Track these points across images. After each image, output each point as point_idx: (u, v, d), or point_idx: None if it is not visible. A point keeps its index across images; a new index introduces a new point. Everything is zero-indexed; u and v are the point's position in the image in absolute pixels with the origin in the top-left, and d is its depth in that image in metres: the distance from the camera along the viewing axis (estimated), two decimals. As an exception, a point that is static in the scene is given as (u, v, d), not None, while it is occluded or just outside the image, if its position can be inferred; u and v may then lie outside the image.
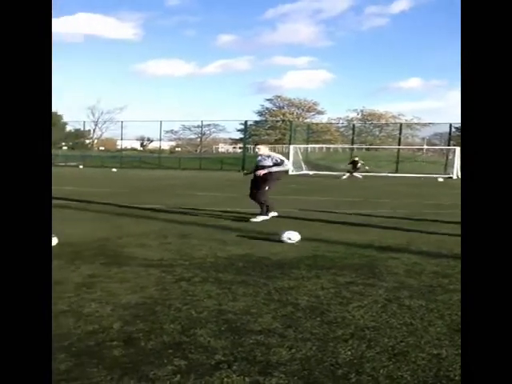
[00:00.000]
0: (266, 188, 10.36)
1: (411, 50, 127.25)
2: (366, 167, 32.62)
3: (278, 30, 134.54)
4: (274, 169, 10.23)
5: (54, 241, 7.09)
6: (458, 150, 34.49)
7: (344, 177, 31.15)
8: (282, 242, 7.56)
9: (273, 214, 10.54)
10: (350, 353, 3.61)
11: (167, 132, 70.23)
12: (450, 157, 35.90)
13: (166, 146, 69.16)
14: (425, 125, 63.38)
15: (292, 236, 7.61)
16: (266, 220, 10.28)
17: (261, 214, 10.32)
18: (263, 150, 10.61)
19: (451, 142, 41.92)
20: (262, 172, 10.17)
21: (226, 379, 3.17)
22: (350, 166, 32.49)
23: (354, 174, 31.27)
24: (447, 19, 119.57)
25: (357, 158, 32.88)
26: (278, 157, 10.43)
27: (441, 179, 30.97)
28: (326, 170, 37.52)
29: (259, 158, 10.54)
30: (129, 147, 71.87)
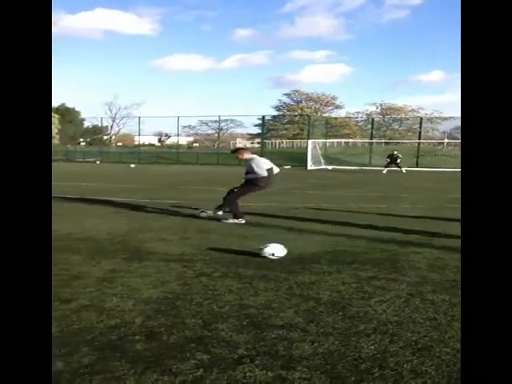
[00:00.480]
0: (235, 190, 9.85)
1: (433, 42, 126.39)
2: (398, 160, 32.03)
3: (297, 24, 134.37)
4: (248, 176, 9.81)
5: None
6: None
7: (384, 171, 31.06)
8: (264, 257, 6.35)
9: (232, 220, 9.64)
10: (372, 347, 3.59)
11: (184, 127, 70.36)
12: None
13: (183, 141, 69.24)
14: (445, 118, 62.65)
15: (276, 251, 6.41)
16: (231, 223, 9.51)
17: (234, 217, 9.66)
18: (242, 156, 10.10)
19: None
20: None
21: (248, 373, 3.17)
22: (387, 161, 31.96)
23: (386, 168, 31.00)
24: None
25: (396, 152, 32.27)
26: (253, 164, 9.73)
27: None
28: (345, 165, 37.35)
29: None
30: (146, 143, 72.19)
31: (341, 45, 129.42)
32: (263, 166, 9.74)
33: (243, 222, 9.54)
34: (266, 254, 6.33)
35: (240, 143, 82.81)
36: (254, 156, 10.13)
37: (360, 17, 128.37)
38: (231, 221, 9.54)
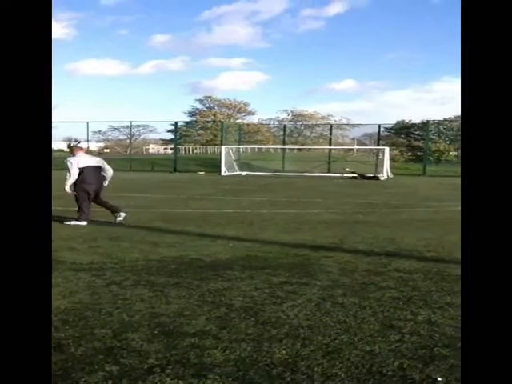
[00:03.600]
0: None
1: (346, 52, 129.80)
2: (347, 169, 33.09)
3: (215, 31, 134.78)
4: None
5: None
6: (387, 150, 35.26)
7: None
8: None
9: (74, 222, 9.94)
10: (284, 352, 3.61)
11: (95, 133, 68.24)
12: (380, 156, 36.53)
13: (94, 147, 67.29)
14: (354, 125, 64.39)
15: None
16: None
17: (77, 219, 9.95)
18: (75, 153, 10.16)
19: (380, 143, 42.79)
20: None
21: (159, 383, 3.11)
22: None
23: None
24: (383, 21, 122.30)
25: (348, 169, 33.33)
26: (68, 162, 10.04)
27: (382, 178, 31.53)
28: (259, 171, 37.62)
29: None
30: (55, 148, 69.92)
31: (258, 53, 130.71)
32: (79, 165, 9.87)
33: (85, 223, 9.79)
34: None
35: (153, 149, 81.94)
36: (80, 154, 10.16)
37: (277, 26, 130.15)
38: (73, 222, 9.83)
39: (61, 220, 9.98)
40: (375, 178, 31.31)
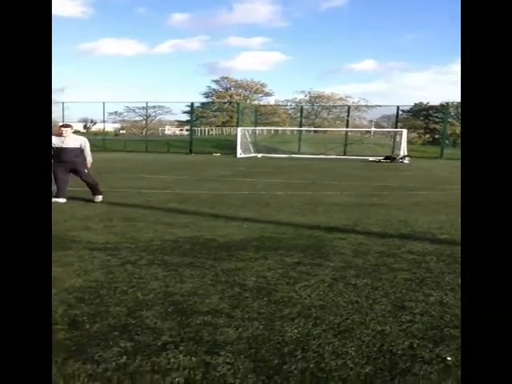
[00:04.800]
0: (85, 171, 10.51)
1: (368, 31, 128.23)
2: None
3: (235, 10, 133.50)
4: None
5: None
6: (404, 132, 34.86)
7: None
8: None
9: (100, 197, 10.52)
10: (296, 331, 3.65)
11: (111, 114, 68.13)
12: (398, 139, 36.19)
13: (110, 128, 67.34)
14: (372, 107, 63.80)
15: None
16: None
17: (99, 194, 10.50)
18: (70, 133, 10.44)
19: (398, 125, 42.34)
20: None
21: (172, 359, 3.17)
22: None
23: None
24: (406, 0, 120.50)
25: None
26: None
27: (406, 161, 30.95)
28: (275, 153, 37.57)
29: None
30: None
31: (278, 32, 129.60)
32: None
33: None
34: None
35: (169, 130, 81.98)
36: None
37: (298, 4, 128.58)
38: (100, 198, 10.41)
39: (77, 200, 10.08)
40: (396, 159, 30.99)
